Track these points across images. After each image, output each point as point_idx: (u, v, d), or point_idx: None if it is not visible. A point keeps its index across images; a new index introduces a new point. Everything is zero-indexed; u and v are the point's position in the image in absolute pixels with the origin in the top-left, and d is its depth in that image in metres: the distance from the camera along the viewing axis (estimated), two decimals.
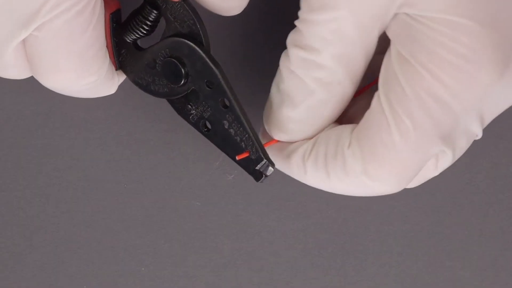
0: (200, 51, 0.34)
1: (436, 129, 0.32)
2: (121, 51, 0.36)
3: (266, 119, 0.37)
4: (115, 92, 0.43)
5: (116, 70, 0.37)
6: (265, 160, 0.34)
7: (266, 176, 0.34)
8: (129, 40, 0.36)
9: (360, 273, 0.44)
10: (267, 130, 0.37)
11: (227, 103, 0.34)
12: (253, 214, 0.44)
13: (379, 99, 0.33)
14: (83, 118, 0.43)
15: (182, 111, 0.36)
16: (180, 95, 0.35)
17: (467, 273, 0.44)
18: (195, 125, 0.36)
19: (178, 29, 0.35)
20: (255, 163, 0.34)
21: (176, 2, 0.34)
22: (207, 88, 0.34)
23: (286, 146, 0.36)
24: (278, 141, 0.36)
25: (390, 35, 0.33)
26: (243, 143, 0.34)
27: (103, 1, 0.34)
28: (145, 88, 0.36)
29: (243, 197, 0.44)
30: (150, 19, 0.35)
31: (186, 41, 0.34)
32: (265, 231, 0.44)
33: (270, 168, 0.34)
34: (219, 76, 0.34)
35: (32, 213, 0.43)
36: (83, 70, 0.35)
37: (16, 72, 0.36)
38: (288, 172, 0.37)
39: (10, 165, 0.43)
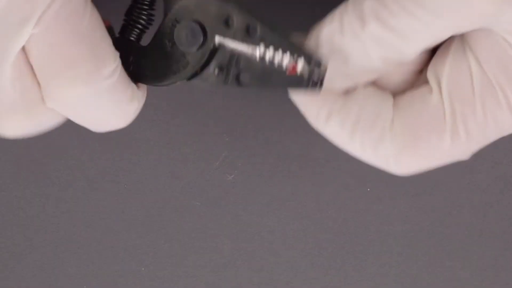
0: None
1: (480, 146, 0.33)
2: (129, 59, 0.35)
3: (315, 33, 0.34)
4: None
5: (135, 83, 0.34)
6: (315, 59, 0.31)
7: (323, 78, 0.32)
8: (134, 36, 0.35)
9: (360, 273, 0.44)
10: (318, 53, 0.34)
11: (252, 28, 0.32)
12: (253, 214, 0.44)
13: (442, 98, 0.33)
14: None
15: (214, 80, 0.33)
16: (205, 59, 0.32)
17: (467, 273, 0.44)
18: (230, 84, 0.33)
19: None
20: (307, 71, 0.32)
21: None
22: (226, 28, 0.32)
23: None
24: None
25: (473, 45, 0.32)
26: (283, 64, 0.32)
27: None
28: (170, 78, 0.33)
29: (243, 197, 0.44)
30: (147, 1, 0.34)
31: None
32: (265, 231, 0.44)
33: (323, 65, 0.32)
34: (234, 5, 0.32)
35: (32, 213, 0.43)
36: (98, 58, 0.31)
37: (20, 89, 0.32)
38: (306, 109, 0.35)
39: (10, 165, 0.43)
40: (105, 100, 0.32)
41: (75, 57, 0.31)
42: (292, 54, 0.32)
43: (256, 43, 0.32)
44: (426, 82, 0.34)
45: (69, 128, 0.43)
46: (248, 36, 0.32)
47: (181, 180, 0.43)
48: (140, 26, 0.34)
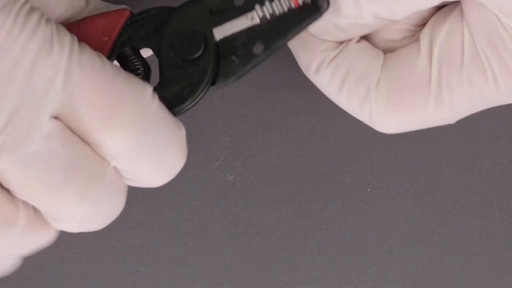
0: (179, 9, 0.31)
1: (463, 115, 0.33)
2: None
3: None
4: None
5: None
6: None
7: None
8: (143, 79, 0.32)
9: (360, 273, 0.44)
10: None
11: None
12: (253, 214, 0.44)
13: (431, 63, 0.33)
14: None
15: (237, 68, 0.32)
16: (215, 54, 0.32)
17: (467, 273, 0.44)
18: (254, 61, 0.32)
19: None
20: None
21: None
22: (216, 17, 0.31)
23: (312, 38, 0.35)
24: None
25: (467, 16, 0.32)
26: (285, 7, 0.31)
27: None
28: (198, 90, 0.32)
29: (243, 197, 0.44)
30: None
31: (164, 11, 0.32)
32: (265, 231, 0.44)
33: None
34: None
35: None
36: (137, 89, 0.29)
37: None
38: (299, 58, 0.35)
39: None
40: (161, 128, 0.29)
41: (118, 96, 0.28)
42: None
43: (249, 8, 0.31)
44: (415, 42, 0.34)
45: None
46: (237, 7, 0.31)
47: (181, 180, 0.43)
48: (141, 73, 0.32)
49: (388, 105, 0.33)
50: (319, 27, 0.33)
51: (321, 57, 0.34)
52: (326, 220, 0.44)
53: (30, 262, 0.43)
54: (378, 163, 0.43)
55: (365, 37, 0.35)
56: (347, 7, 0.32)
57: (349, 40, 0.35)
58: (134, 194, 0.44)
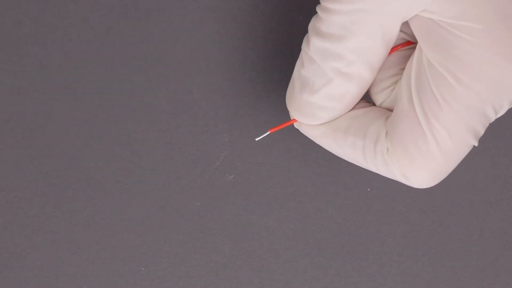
0: None
1: (471, 133, 0.33)
2: None
3: (288, 102, 0.36)
4: (114, 92, 0.43)
5: None
6: None
7: None
8: None
9: (360, 273, 0.44)
10: (289, 112, 0.37)
11: None
12: (253, 214, 0.44)
13: (412, 103, 0.33)
14: (83, 118, 0.43)
15: None
16: None
17: (467, 273, 0.44)
18: None
19: None
20: None
21: None
22: None
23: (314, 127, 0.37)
24: (296, 120, 0.37)
25: (414, 31, 0.34)
26: None
27: None
28: None
29: (243, 197, 0.44)
30: None
31: None
32: (265, 231, 0.44)
33: None
34: None
35: (32, 213, 0.43)
36: None
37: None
38: (320, 141, 0.37)
39: (10, 165, 0.43)
40: None
41: None
42: None
43: None
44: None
45: (69, 128, 0.43)
46: None
47: (181, 180, 0.43)
48: None
49: (402, 161, 0.34)
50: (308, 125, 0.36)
51: (333, 136, 0.36)
52: (326, 220, 0.44)
53: (30, 262, 0.43)
54: None
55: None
56: (314, 77, 0.35)
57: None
58: (134, 194, 0.44)
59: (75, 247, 0.44)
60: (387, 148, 0.34)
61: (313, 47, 0.34)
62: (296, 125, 0.37)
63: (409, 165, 0.34)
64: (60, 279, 0.44)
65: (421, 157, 0.34)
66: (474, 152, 0.43)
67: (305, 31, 0.43)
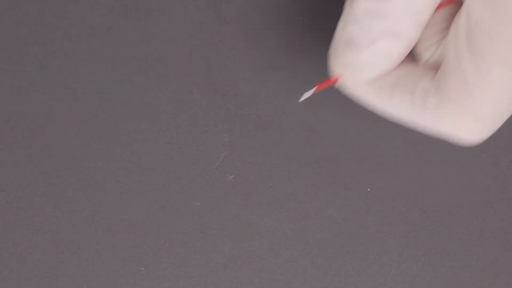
0: None
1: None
2: None
3: (333, 61, 0.37)
4: (114, 92, 0.43)
5: None
6: None
7: None
8: None
9: (360, 273, 0.44)
10: (333, 71, 0.37)
11: None
12: (253, 214, 0.44)
13: (461, 59, 0.34)
14: (83, 118, 0.43)
15: None
16: None
17: (467, 273, 0.44)
18: None
19: None
20: None
21: None
22: None
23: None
24: (337, 79, 0.37)
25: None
26: None
27: None
28: None
29: (243, 197, 0.44)
30: None
31: None
32: (265, 231, 0.44)
33: None
34: None
35: (32, 213, 0.43)
36: None
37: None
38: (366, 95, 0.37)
39: (10, 165, 0.43)
40: None
41: None
42: None
43: None
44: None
45: (69, 128, 0.43)
46: None
47: (181, 180, 0.43)
48: None
49: (451, 116, 0.34)
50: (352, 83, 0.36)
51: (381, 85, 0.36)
52: (326, 220, 0.44)
53: (30, 262, 0.43)
54: (378, 163, 0.43)
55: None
56: (360, 38, 0.35)
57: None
58: (134, 194, 0.44)
59: (75, 247, 0.44)
60: (437, 104, 0.35)
61: (358, 6, 0.34)
62: (339, 84, 0.37)
63: (459, 121, 0.34)
64: (60, 279, 0.44)
65: (471, 112, 0.34)
66: (474, 152, 0.43)
67: (305, 31, 0.43)
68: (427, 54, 0.37)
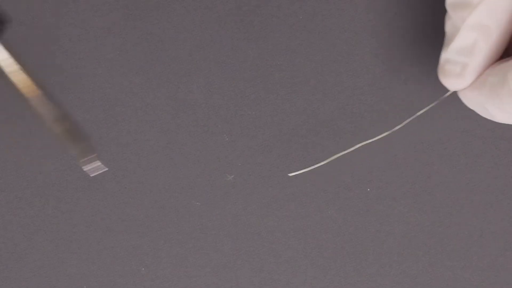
0: None
1: None
2: None
3: (438, 70, 0.39)
4: (114, 92, 0.43)
5: None
6: None
7: None
8: None
9: (360, 273, 0.44)
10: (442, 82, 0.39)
11: None
12: (253, 214, 0.44)
13: None
14: (83, 118, 0.43)
15: None
16: None
17: (467, 273, 0.44)
18: None
19: None
20: None
21: None
22: None
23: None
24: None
25: None
26: None
27: None
28: None
29: (243, 197, 0.44)
30: None
31: None
32: (265, 231, 0.44)
33: None
34: None
35: (32, 213, 0.43)
36: None
37: None
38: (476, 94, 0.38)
39: (10, 165, 0.43)
40: None
41: None
42: None
43: None
44: None
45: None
46: None
47: (181, 180, 0.43)
48: None
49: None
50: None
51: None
52: (326, 220, 0.44)
53: (30, 262, 0.43)
54: (378, 163, 0.43)
55: None
56: (450, 34, 0.37)
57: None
58: (134, 194, 0.44)
59: (75, 247, 0.44)
60: None
61: (449, 3, 0.36)
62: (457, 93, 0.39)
63: None
64: (60, 279, 0.44)
65: None
66: (474, 152, 0.43)
67: (305, 31, 0.43)
68: None
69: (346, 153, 0.43)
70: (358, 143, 0.43)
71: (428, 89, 0.42)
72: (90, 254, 0.44)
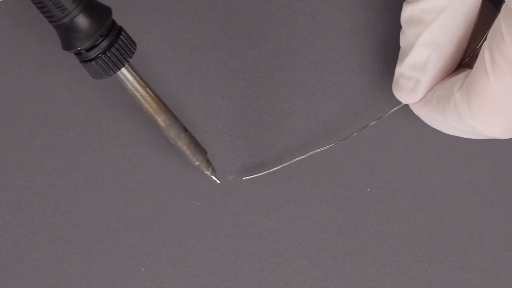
0: None
1: None
2: None
3: (393, 84, 0.39)
4: (114, 92, 0.43)
5: None
6: None
7: None
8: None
9: (360, 273, 0.44)
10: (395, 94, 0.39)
11: None
12: (253, 214, 0.44)
13: (483, 47, 0.34)
14: (83, 118, 0.43)
15: None
16: None
17: (467, 273, 0.44)
18: None
19: None
20: None
21: None
22: None
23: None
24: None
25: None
26: None
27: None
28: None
29: (243, 197, 0.44)
30: None
31: None
32: (265, 231, 0.44)
33: None
34: None
35: (32, 213, 0.43)
36: None
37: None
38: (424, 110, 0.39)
39: (10, 165, 0.43)
40: None
41: None
42: None
43: None
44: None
45: (69, 128, 0.43)
46: None
47: (181, 180, 0.43)
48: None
49: (468, 97, 0.35)
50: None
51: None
52: (326, 220, 0.44)
53: (30, 262, 0.43)
54: (378, 163, 0.43)
55: None
56: (404, 48, 0.37)
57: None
58: (134, 194, 0.44)
59: (75, 247, 0.44)
60: (459, 87, 0.35)
61: (402, 13, 0.36)
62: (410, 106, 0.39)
63: (474, 102, 0.34)
64: (60, 279, 0.44)
65: (483, 92, 0.34)
66: (474, 152, 0.43)
67: (305, 31, 0.43)
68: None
69: (346, 153, 0.43)
70: (358, 143, 0.43)
71: None
72: (90, 254, 0.44)
